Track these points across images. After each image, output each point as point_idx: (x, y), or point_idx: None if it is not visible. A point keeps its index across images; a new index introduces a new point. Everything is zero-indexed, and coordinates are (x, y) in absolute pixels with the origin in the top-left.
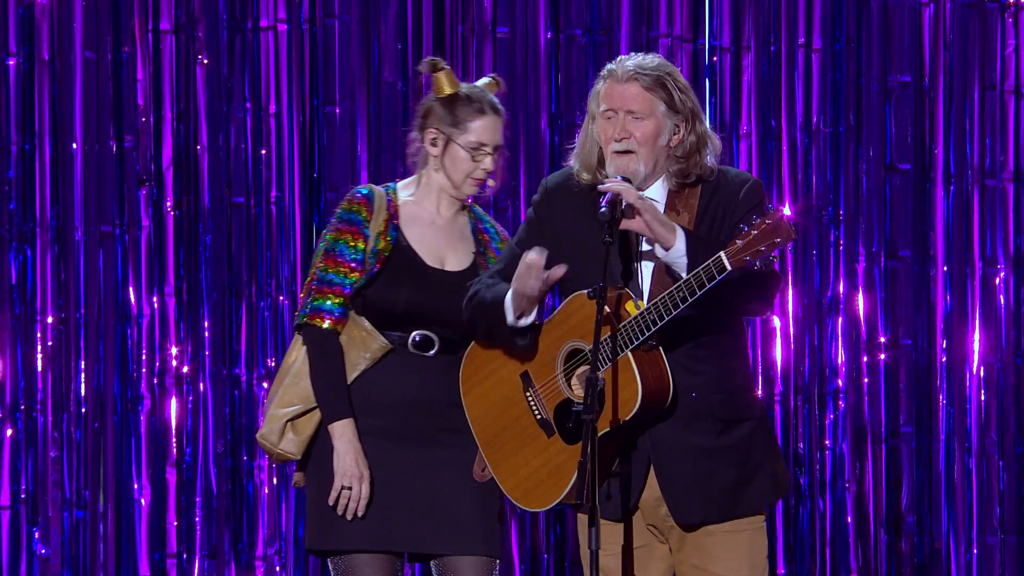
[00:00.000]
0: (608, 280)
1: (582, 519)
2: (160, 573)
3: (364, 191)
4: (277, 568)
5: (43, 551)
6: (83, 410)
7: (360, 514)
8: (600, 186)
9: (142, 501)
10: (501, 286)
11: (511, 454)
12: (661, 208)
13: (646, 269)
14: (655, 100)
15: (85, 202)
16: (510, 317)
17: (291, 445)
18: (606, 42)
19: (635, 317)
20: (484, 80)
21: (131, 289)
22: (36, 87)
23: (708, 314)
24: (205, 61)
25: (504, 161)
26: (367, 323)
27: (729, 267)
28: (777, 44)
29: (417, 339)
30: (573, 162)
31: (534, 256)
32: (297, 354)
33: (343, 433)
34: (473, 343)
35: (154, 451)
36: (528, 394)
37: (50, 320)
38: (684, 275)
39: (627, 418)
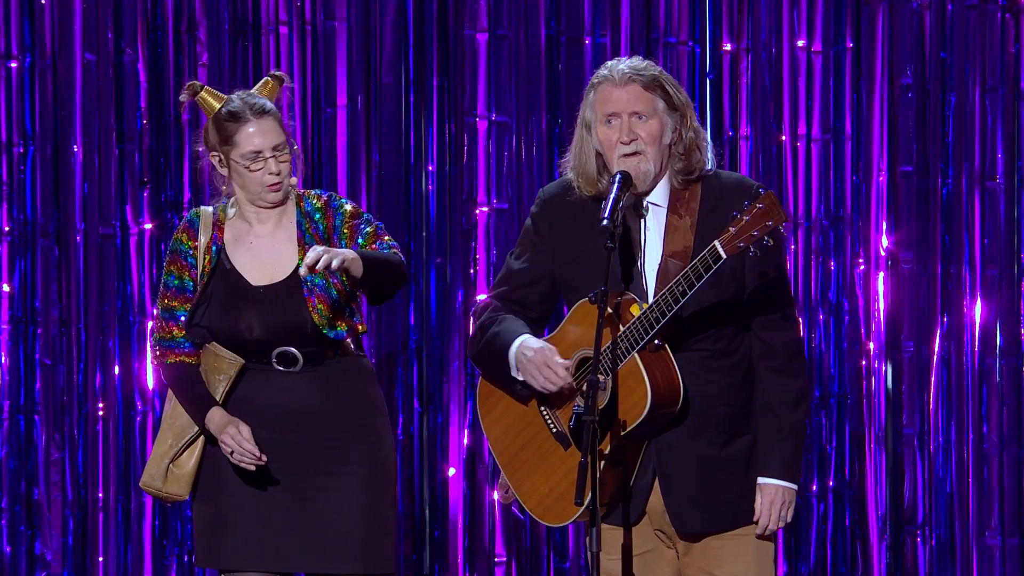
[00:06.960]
0: (612, 286)
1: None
2: (162, 574)
3: (189, 216)
4: None
5: (45, 553)
6: (84, 411)
7: (263, 460)
8: None
9: (144, 502)
10: (506, 327)
11: (532, 472)
12: (664, 212)
13: (649, 273)
14: (655, 99)
15: (86, 204)
16: (513, 371)
17: (176, 486)
18: (607, 44)
19: (638, 317)
20: (260, 83)
21: (132, 291)
22: (37, 89)
23: (727, 325)
24: (206, 63)
25: (296, 155)
26: (216, 346)
27: (724, 255)
28: (778, 47)
29: (280, 357)
30: (570, 175)
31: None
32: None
33: (211, 420)
34: None
35: None
36: (543, 408)
37: (51, 321)
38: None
39: (639, 420)
